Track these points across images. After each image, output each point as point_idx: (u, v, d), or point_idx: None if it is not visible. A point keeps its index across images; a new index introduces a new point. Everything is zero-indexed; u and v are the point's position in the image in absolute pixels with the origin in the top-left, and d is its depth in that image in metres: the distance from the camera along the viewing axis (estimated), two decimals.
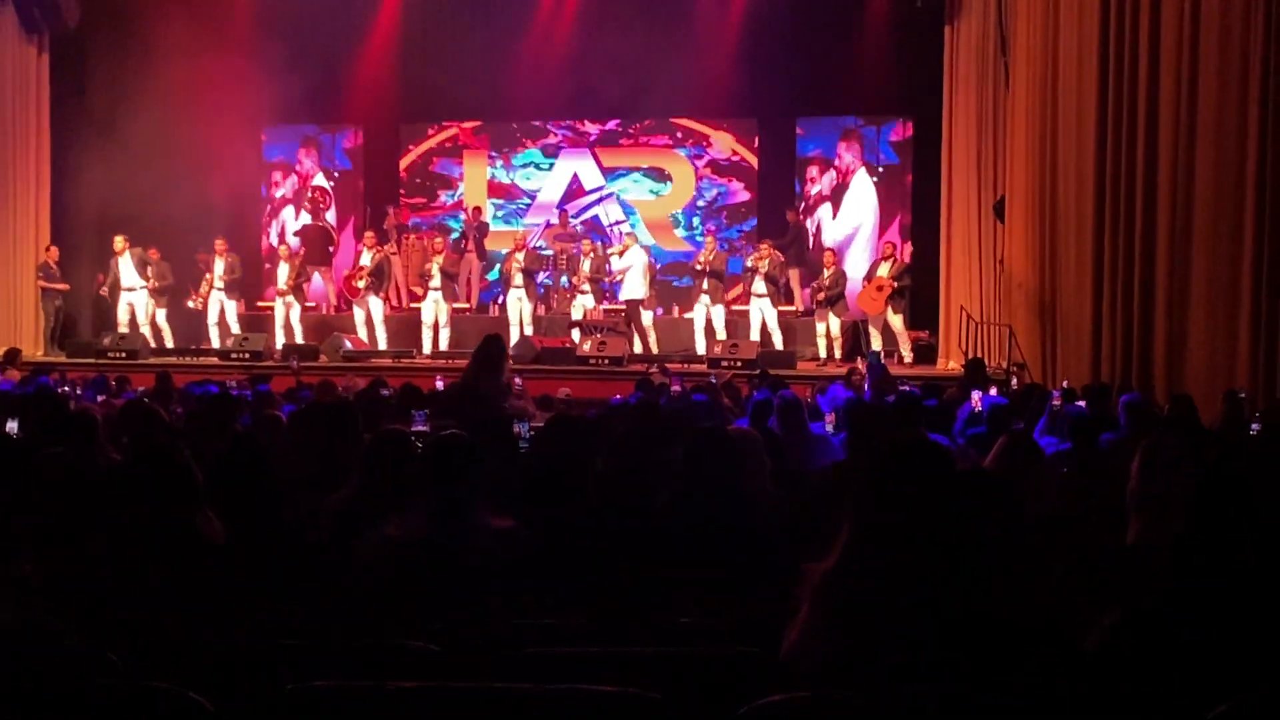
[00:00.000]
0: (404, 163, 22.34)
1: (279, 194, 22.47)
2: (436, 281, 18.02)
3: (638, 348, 17.47)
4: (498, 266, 20.30)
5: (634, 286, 17.99)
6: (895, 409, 7.94)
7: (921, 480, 3.04)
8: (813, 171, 21.12)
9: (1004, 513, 4.59)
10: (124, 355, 17.14)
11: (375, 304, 18.29)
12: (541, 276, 19.68)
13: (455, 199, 22.13)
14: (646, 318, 18.01)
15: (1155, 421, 7.72)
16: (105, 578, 3.97)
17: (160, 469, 4.24)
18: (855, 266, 19.37)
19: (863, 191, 20.85)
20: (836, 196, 20.91)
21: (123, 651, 3.32)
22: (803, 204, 20.78)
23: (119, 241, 18.22)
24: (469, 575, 4.23)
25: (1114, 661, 3.05)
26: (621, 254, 18.21)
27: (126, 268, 18.26)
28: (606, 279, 18.47)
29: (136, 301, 18.32)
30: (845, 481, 5.41)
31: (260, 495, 4.87)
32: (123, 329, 18.13)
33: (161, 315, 18.52)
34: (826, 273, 17.54)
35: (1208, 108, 12.98)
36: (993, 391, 11.13)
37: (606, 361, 16.39)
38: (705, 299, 17.64)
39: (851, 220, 20.79)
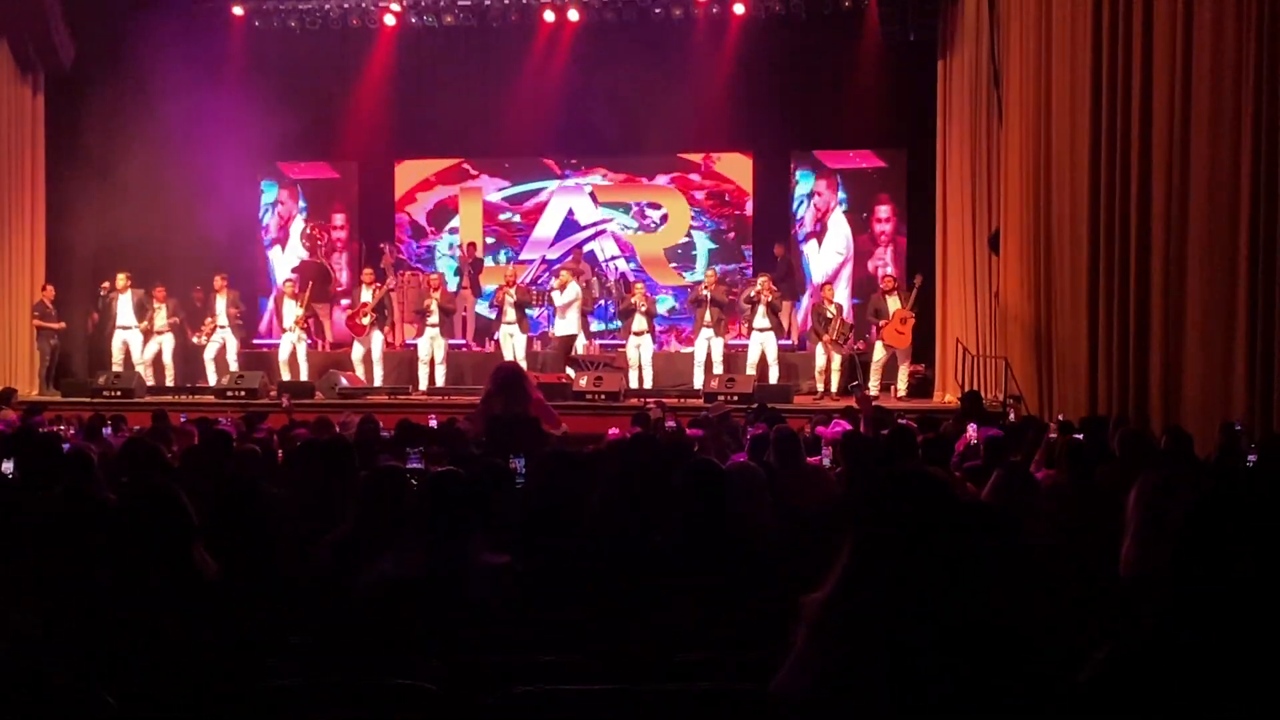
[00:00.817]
0: (399, 199, 22.38)
1: (273, 231, 22.49)
2: (435, 318, 18.04)
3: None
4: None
5: (570, 322, 18.07)
6: (891, 442, 7.94)
7: (919, 511, 3.04)
8: (801, 207, 21.22)
9: (1001, 543, 4.59)
10: (119, 394, 17.11)
11: (376, 340, 18.33)
12: (536, 312, 19.72)
13: (449, 234, 22.18)
14: (645, 353, 17.89)
15: (1152, 453, 7.72)
16: (101, 618, 3.96)
17: (156, 508, 4.24)
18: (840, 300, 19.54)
19: (839, 227, 20.92)
20: (820, 232, 20.99)
21: (119, 692, 3.31)
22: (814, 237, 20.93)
23: (121, 279, 18.28)
24: (465, 612, 4.23)
25: (1107, 694, 3.05)
26: (561, 288, 18.21)
27: (125, 306, 18.33)
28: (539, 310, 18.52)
29: (132, 340, 18.36)
30: (843, 514, 5.41)
31: (255, 533, 4.87)
32: (117, 367, 18.15)
33: (168, 353, 18.56)
34: (831, 308, 17.56)
35: (1200, 138, 13.02)
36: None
37: (603, 397, 16.39)
38: (709, 331, 17.62)
39: (833, 255, 20.85)
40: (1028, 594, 4.24)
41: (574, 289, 18.08)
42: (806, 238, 21.03)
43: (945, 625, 2.92)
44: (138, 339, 18.36)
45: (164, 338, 18.49)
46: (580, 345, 18.21)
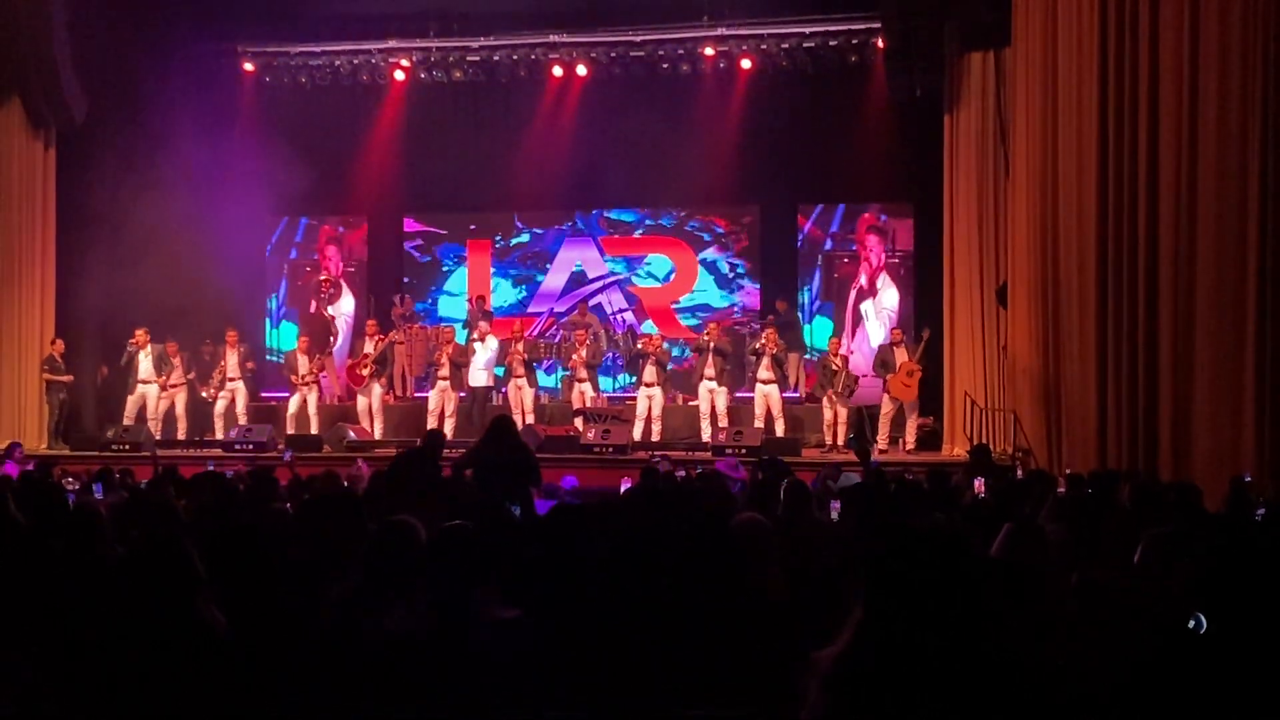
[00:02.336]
0: (408, 253, 22.47)
1: (284, 285, 22.60)
2: (445, 370, 18.09)
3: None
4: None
5: (482, 375, 18.18)
6: (900, 496, 7.93)
7: (933, 567, 3.04)
8: (827, 256, 21.28)
9: (1011, 598, 4.58)
10: (127, 448, 17.12)
11: (375, 392, 18.37)
12: (545, 365, 19.78)
13: (457, 287, 22.27)
14: (655, 405, 17.86)
15: (1160, 507, 7.70)
16: (107, 672, 3.95)
17: (162, 562, 4.23)
18: (867, 355, 19.50)
19: (888, 286, 20.96)
20: (872, 291, 21.03)
21: None
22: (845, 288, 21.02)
23: (141, 335, 18.35)
24: (473, 667, 4.21)
25: None
26: (481, 339, 18.29)
27: (145, 362, 18.41)
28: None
29: (149, 395, 18.43)
30: (853, 568, 5.40)
31: (262, 587, 4.85)
32: (128, 420, 18.20)
33: (180, 407, 18.64)
34: (836, 361, 17.53)
35: (1208, 191, 13.09)
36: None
37: (611, 450, 16.36)
38: (711, 383, 17.60)
39: (887, 317, 20.85)
40: (1035, 646, 4.23)
41: (493, 342, 18.28)
42: (861, 295, 21.04)
43: (959, 680, 2.91)
44: (155, 393, 18.46)
45: (177, 393, 18.57)
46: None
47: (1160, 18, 13.59)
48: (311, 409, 18.49)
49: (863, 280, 21.10)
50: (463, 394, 18.56)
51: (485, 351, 18.21)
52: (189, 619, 4.16)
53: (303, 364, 18.67)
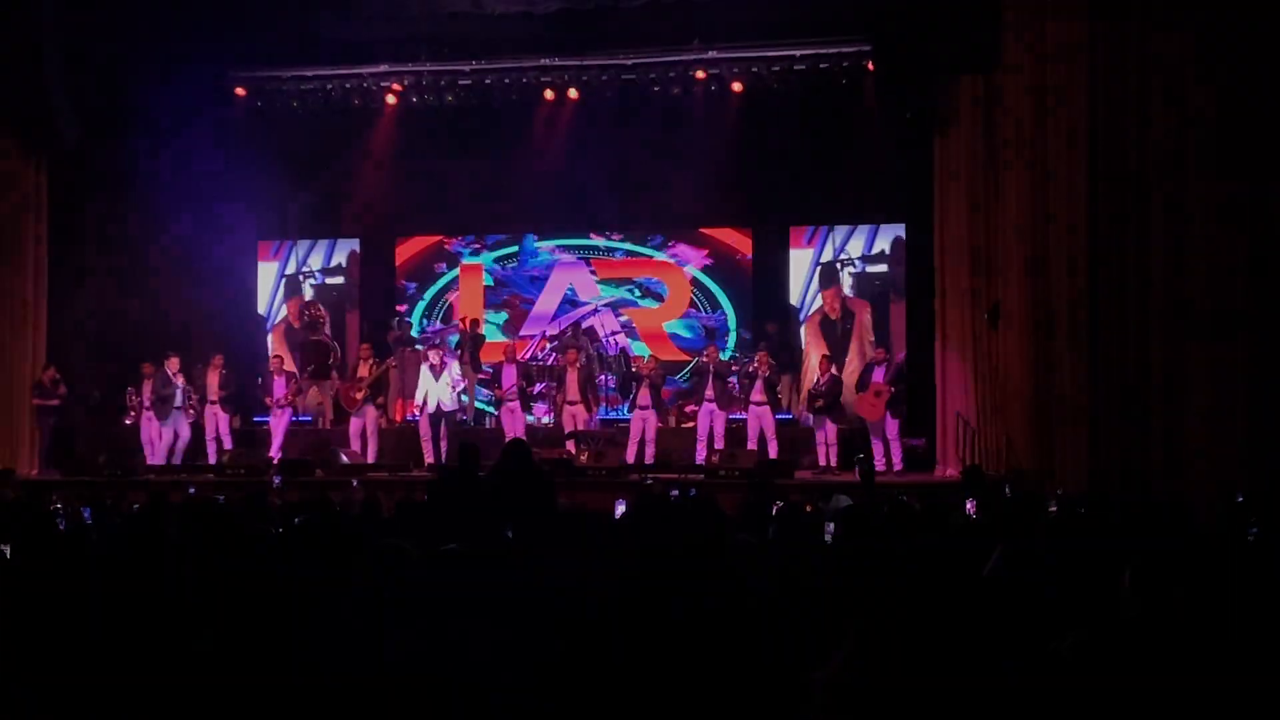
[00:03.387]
0: (400, 275, 22.47)
1: (277, 307, 22.57)
2: None
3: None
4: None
5: (449, 394, 18.25)
6: (892, 517, 7.93)
7: (923, 591, 3.05)
8: (817, 281, 21.26)
9: (1002, 618, 4.58)
10: (120, 473, 17.07)
11: (370, 415, 18.37)
12: (538, 388, 19.77)
13: (449, 311, 22.26)
14: (649, 427, 17.85)
15: (1152, 527, 7.71)
16: (98, 697, 3.94)
17: (151, 586, 4.23)
18: (852, 375, 19.47)
19: (864, 319, 20.98)
20: (843, 305, 21.01)
21: None
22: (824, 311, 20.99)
23: (174, 363, 18.42)
24: (466, 690, 4.20)
25: None
26: (441, 363, 18.40)
27: (177, 390, 18.47)
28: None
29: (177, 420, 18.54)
30: (848, 589, 5.40)
31: (252, 610, 4.84)
32: (167, 448, 18.36)
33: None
34: (821, 380, 17.56)
35: (1198, 208, 13.12)
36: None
37: (604, 473, 16.35)
38: (710, 405, 17.59)
39: (858, 327, 20.85)
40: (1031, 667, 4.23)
41: (456, 368, 18.35)
42: (828, 312, 20.99)
43: (955, 698, 2.92)
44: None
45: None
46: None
47: (1152, 38, 13.64)
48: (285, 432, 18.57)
49: (832, 299, 21.07)
50: (464, 418, 18.63)
51: (456, 373, 18.27)
52: (178, 643, 4.15)
53: (278, 385, 18.71)
